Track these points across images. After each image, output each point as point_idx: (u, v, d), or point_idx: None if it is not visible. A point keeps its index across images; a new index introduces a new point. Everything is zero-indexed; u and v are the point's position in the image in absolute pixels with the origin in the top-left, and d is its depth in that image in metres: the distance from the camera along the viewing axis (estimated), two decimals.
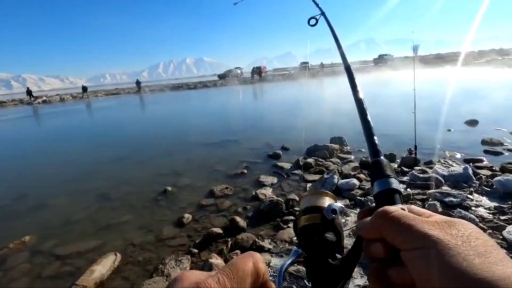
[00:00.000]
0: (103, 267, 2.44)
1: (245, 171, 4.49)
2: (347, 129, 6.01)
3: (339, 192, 3.36)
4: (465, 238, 0.27)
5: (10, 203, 4.03)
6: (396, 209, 0.32)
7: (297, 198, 3.28)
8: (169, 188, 3.97)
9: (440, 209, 2.69)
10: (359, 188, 3.44)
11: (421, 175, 3.45)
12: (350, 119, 7.66)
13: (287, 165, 4.54)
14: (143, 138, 8.09)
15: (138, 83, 37.52)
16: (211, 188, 3.86)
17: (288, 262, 0.37)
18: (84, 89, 34.52)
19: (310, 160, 4.52)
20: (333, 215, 0.39)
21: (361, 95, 0.55)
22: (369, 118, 0.50)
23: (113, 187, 4.26)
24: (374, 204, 0.38)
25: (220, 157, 5.43)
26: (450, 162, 3.98)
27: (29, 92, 34.28)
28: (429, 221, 0.29)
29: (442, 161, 4.04)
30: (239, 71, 50.06)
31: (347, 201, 3.13)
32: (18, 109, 25.95)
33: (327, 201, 0.42)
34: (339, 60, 0.68)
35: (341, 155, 4.90)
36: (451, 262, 0.25)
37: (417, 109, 4.09)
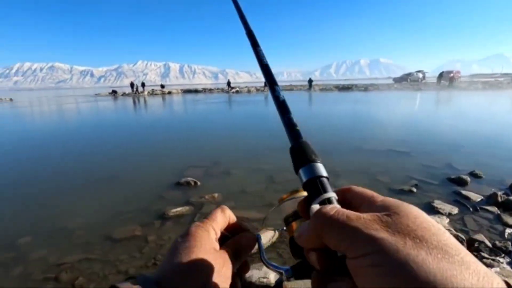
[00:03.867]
0: (264, 238, 2.83)
1: (414, 189, 3.91)
2: None
3: None
4: (413, 233, 0.24)
5: (209, 165, 5.36)
6: (334, 209, 0.28)
7: (487, 242, 2.55)
8: None
9: None
10: None
11: None
12: None
13: (475, 197, 3.59)
14: (308, 132, 8.59)
15: (310, 81, 39.99)
16: None
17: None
18: (266, 83, 40.52)
19: None
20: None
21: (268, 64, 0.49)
22: (281, 94, 0.44)
23: (278, 172, 4.80)
24: (305, 194, 0.34)
25: (384, 166, 4.97)
26: None
27: (228, 83, 43.76)
28: (373, 219, 0.26)
29: None
30: (420, 75, 43.55)
31: None
32: (219, 95, 33.80)
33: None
34: None
35: None
36: (400, 267, 0.22)
37: None
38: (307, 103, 21.17)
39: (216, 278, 0.34)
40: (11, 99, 38.49)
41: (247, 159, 5.76)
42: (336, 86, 41.32)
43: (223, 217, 0.43)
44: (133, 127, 11.55)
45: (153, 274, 0.33)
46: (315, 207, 0.31)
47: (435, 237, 0.24)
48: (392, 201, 0.29)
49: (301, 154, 0.37)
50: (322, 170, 0.35)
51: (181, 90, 47.15)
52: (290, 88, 43.64)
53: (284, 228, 0.42)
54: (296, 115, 0.44)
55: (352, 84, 44.82)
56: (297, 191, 0.41)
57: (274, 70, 0.51)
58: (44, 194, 4.30)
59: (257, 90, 41.46)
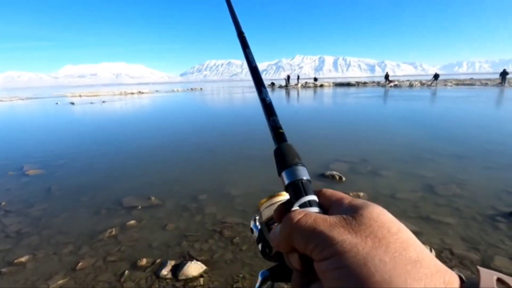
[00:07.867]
0: None
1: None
2: None
3: None
4: (374, 233, 0.24)
5: (356, 162, 5.13)
6: (302, 213, 0.28)
7: None
8: None
9: None
10: None
11: None
12: None
13: None
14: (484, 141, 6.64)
15: (504, 74, 30.43)
16: None
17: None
18: (436, 76, 33.95)
19: None
20: None
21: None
22: (268, 96, 0.45)
23: (445, 184, 4.00)
24: (282, 197, 0.37)
25: None
26: None
27: (386, 76, 39.64)
28: (338, 221, 0.26)
29: None
30: None
31: None
32: (374, 89, 31.17)
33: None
34: None
35: None
36: (358, 269, 0.22)
37: None
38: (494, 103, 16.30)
39: None
40: (201, 88, 50.48)
41: (400, 161, 5.12)
42: None
43: None
44: (285, 116, 12.53)
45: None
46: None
47: (395, 237, 0.24)
48: (359, 201, 0.28)
49: (284, 157, 0.37)
50: (304, 173, 0.35)
51: (333, 83, 46.75)
52: (470, 83, 34.71)
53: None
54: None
55: None
56: (275, 195, 0.41)
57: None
58: (220, 163, 5.42)
59: (422, 84, 35.40)
